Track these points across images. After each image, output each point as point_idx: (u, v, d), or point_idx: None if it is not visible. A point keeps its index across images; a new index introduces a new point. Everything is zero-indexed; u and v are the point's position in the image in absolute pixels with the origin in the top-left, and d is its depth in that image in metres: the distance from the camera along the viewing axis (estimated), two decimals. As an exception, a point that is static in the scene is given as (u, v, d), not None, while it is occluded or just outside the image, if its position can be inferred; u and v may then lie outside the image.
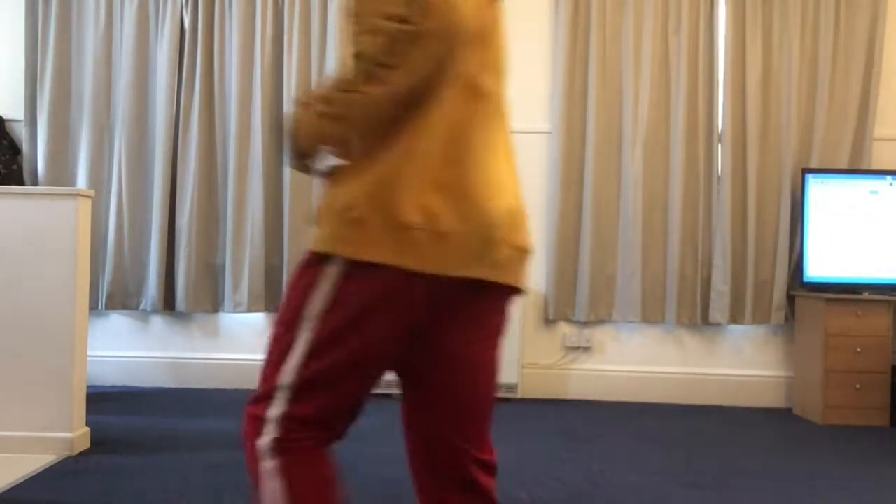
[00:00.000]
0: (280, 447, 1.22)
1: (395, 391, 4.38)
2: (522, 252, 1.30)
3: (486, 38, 1.27)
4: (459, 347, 1.29)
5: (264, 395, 1.25)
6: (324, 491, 1.23)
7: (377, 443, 3.43)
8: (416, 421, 1.34)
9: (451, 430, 1.32)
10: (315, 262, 1.23)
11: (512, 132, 1.39)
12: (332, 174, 1.26)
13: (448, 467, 1.33)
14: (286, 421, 1.23)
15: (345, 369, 1.23)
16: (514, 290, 1.33)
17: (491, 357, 1.34)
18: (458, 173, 1.21)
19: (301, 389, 1.23)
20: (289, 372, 1.23)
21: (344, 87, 1.16)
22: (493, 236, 1.23)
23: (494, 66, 1.30)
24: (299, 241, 4.53)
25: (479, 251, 1.22)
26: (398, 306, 1.20)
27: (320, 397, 1.23)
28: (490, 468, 1.36)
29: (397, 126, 1.20)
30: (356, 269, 1.19)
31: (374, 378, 1.26)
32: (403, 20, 1.12)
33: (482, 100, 1.26)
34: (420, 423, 1.34)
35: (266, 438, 1.22)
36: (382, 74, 1.14)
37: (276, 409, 1.23)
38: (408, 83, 1.16)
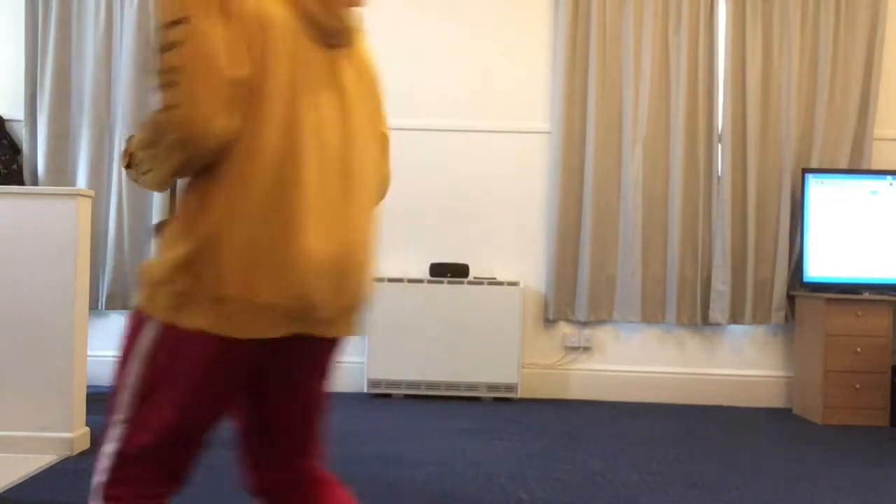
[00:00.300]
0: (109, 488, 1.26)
1: (395, 392, 4.39)
2: (349, 309, 1.33)
3: (317, 89, 1.27)
4: (285, 386, 1.37)
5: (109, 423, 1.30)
6: None
7: (378, 442, 3.43)
8: (253, 426, 1.41)
9: (280, 441, 1.40)
10: (144, 316, 1.26)
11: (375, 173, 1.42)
12: (160, 229, 1.29)
13: (273, 466, 1.41)
14: (117, 457, 1.26)
15: (170, 413, 1.25)
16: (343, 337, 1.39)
17: (317, 391, 1.41)
18: (279, 237, 1.22)
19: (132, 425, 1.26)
20: (122, 406, 1.28)
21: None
22: (314, 301, 1.25)
23: (340, 109, 1.31)
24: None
25: (298, 315, 1.25)
26: (219, 367, 1.24)
27: (152, 433, 1.25)
28: (310, 479, 1.42)
29: (216, 178, 1.21)
30: (180, 331, 1.22)
31: (207, 419, 1.29)
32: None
33: (321, 148, 1.26)
34: (256, 429, 1.41)
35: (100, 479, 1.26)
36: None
37: (110, 445, 1.27)
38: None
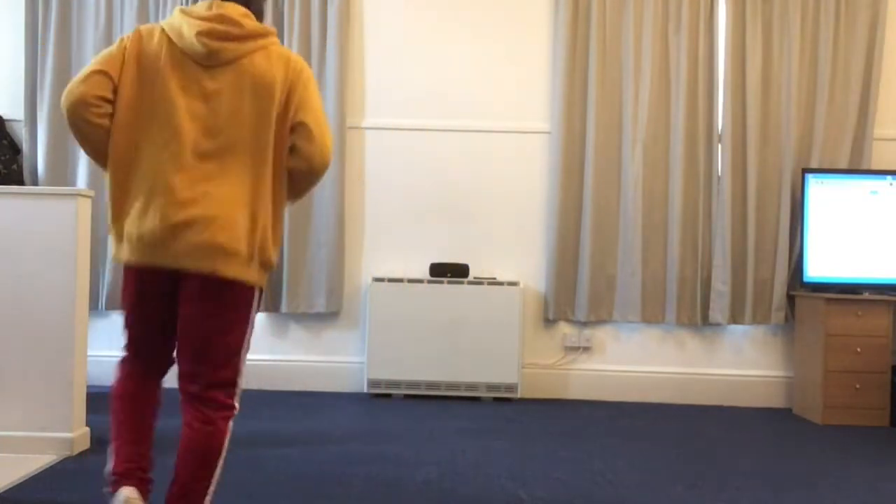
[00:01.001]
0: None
1: (395, 392, 4.39)
2: (206, 247, 1.88)
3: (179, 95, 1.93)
4: (182, 312, 1.96)
5: None
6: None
7: (378, 442, 3.43)
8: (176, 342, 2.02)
9: (183, 358, 1.99)
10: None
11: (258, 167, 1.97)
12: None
13: (188, 377, 1.98)
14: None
15: (128, 320, 2.04)
16: (215, 274, 1.91)
17: (200, 319, 1.95)
18: (147, 202, 1.90)
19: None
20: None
21: None
22: (169, 237, 1.88)
23: (213, 128, 1.93)
24: (299, 241, 4.53)
25: (157, 247, 1.89)
26: (129, 283, 2.01)
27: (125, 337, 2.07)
28: (202, 388, 1.97)
29: (118, 170, 1.95)
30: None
31: (147, 322, 2.02)
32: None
33: (199, 141, 1.93)
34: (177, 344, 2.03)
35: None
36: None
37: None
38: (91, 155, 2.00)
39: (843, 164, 4.51)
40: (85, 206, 3.14)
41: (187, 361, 1.96)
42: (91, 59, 4.54)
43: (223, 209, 1.89)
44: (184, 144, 1.89)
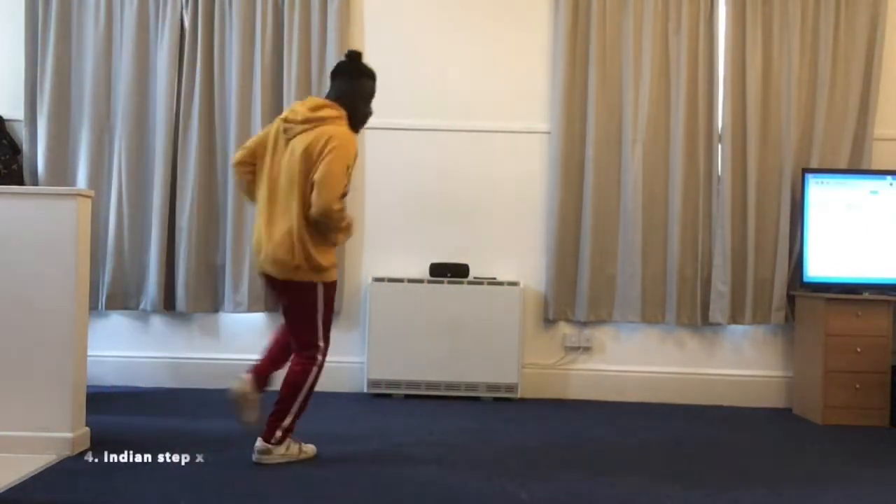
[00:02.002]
0: None
1: (395, 392, 4.39)
2: (272, 260, 2.96)
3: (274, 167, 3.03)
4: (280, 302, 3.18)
5: None
6: None
7: (378, 442, 3.43)
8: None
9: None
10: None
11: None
12: None
13: (285, 345, 3.15)
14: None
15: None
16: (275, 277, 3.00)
17: (286, 307, 3.09)
18: (259, 226, 3.03)
19: None
20: None
21: None
22: (259, 253, 3.03)
23: (277, 177, 3.00)
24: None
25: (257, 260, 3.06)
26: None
27: None
28: (294, 347, 3.08)
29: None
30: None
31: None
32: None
33: (273, 189, 3.01)
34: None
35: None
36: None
37: None
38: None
39: (843, 164, 4.51)
40: (85, 206, 3.14)
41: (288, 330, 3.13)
42: (91, 59, 4.56)
43: (280, 235, 2.93)
44: (265, 188, 3.02)
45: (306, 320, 3.00)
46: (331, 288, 3.02)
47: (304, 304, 2.98)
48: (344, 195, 2.92)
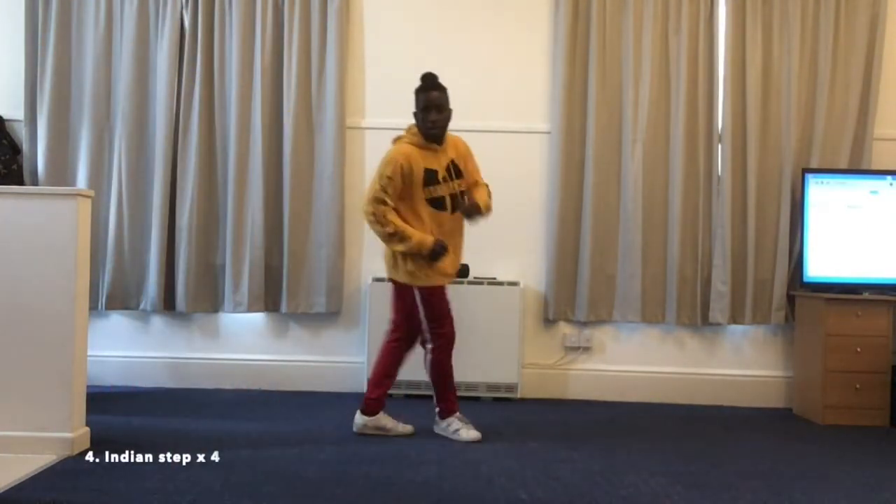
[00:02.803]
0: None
1: (395, 392, 4.39)
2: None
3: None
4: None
5: None
6: None
7: (378, 442, 3.43)
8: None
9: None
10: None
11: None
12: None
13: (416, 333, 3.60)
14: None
15: None
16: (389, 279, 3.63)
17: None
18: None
19: None
20: None
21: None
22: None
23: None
24: (299, 242, 4.53)
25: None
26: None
27: None
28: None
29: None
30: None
31: None
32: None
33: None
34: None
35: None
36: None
37: None
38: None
39: (843, 164, 4.51)
40: (85, 206, 3.14)
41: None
42: (91, 59, 4.56)
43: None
44: None
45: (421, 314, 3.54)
46: (426, 291, 3.47)
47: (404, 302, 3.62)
48: (380, 201, 3.36)
